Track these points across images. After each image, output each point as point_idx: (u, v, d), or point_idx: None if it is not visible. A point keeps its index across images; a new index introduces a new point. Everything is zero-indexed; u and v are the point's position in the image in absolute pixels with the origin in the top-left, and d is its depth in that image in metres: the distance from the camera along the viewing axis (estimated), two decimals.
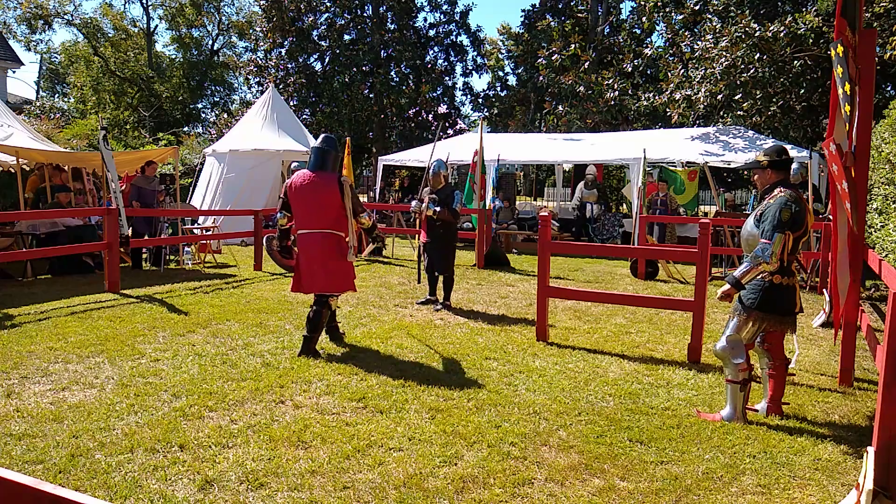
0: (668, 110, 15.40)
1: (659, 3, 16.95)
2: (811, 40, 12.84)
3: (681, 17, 16.05)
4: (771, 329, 4.06)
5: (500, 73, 35.56)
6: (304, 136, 15.23)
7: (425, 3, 25.67)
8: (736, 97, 14.54)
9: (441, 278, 7.41)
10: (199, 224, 12.70)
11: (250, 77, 26.25)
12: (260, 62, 25.48)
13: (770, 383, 4.17)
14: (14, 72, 24.03)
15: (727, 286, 3.98)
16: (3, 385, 4.37)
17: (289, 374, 4.76)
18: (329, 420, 3.91)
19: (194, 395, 4.24)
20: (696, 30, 16.09)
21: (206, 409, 4.02)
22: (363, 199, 18.49)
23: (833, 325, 5.73)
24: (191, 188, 15.01)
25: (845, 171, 4.17)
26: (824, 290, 7.29)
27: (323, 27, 24.84)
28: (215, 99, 39.65)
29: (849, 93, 3.97)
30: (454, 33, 26.39)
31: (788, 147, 10.97)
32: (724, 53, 13.59)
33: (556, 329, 6.31)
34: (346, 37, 24.89)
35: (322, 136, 5.54)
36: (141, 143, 23.90)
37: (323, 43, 24.84)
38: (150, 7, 37.79)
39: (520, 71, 28.73)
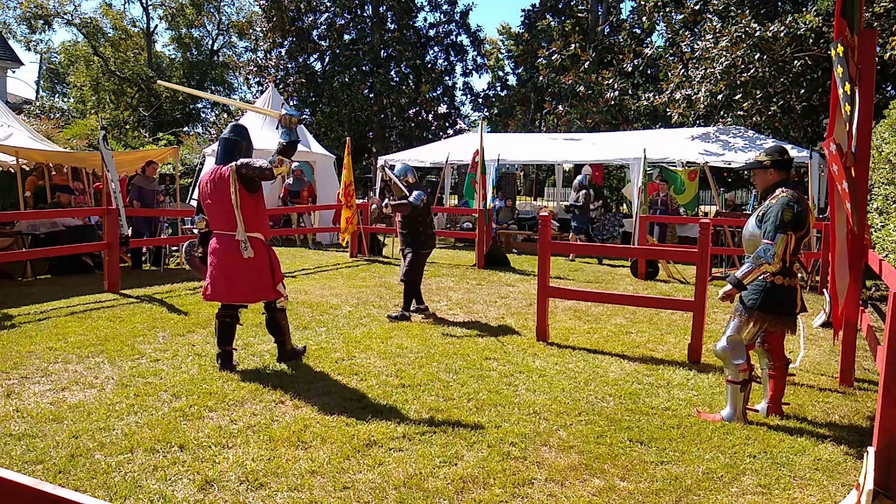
0: (668, 110, 15.39)
1: (659, 3, 16.95)
2: (811, 40, 12.84)
3: (681, 16, 16.04)
4: (771, 329, 4.06)
5: (500, 73, 35.58)
6: (305, 136, 15.21)
7: (425, 3, 25.67)
8: (736, 97, 14.53)
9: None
10: None
11: (250, 77, 26.24)
12: (260, 62, 25.47)
13: (770, 383, 4.17)
14: (14, 72, 24.01)
15: (729, 287, 3.98)
16: (3, 385, 4.37)
17: (289, 374, 4.76)
18: (329, 420, 3.90)
19: (194, 395, 4.24)
20: (696, 30, 16.08)
21: (206, 409, 4.01)
22: (361, 200, 18.45)
23: (833, 325, 5.73)
24: (191, 188, 15.01)
25: (846, 171, 4.17)
26: (824, 290, 7.28)
27: (323, 27, 24.85)
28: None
29: (849, 93, 3.97)
30: (454, 33, 26.38)
31: (788, 147, 10.97)
32: (724, 53, 13.58)
33: (556, 329, 6.31)
34: (346, 37, 24.89)
35: (231, 124, 4.95)
36: (141, 143, 23.90)
37: (323, 43, 24.84)
38: (150, 7, 37.81)
39: (520, 71, 28.75)
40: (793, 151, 11.40)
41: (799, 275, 4.10)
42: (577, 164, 15.42)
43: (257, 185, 4.69)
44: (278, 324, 4.96)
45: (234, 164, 4.58)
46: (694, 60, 14.97)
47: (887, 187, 6.90)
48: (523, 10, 29.16)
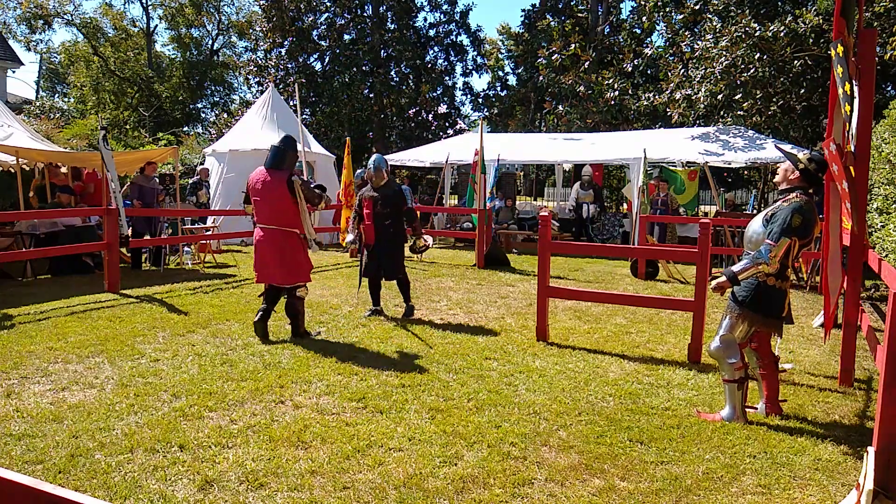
0: (668, 110, 15.39)
1: (659, 3, 16.94)
2: (811, 40, 12.83)
3: (681, 16, 16.03)
4: (759, 330, 4.08)
5: (500, 73, 35.56)
6: (305, 136, 15.20)
7: (425, 3, 25.68)
8: (736, 97, 14.53)
9: (395, 282, 6.88)
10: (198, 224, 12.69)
11: (250, 77, 26.25)
12: (260, 62, 25.48)
13: (763, 383, 4.20)
14: (14, 72, 24.02)
15: (723, 278, 3.99)
16: (3, 385, 4.37)
17: (289, 374, 4.76)
18: (329, 420, 3.90)
19: (194, 395, 4.24)
20: (696, 29, 16.08)
21: (206, 409, 4.01)
22: None
23: (825, 324, 5.73)
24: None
25: (846, 171, 4.17)
26: None
27: (323, 27, 24.85)
28: (215, 99, 39.65)
29: (849, 92, 3.97)
30: (454, 33, 26.39)
31: (787, 147, 10.96)
32: (724, 53, 13.58)
33: (556, 329, 6.31)
34: (346, 37, 24.90)
35: (285, 135, 5.84)
36: (141, 143, 23.89)
37: (323, 43, 24.85)
38: (150, 7, 37.80)
39: (520, 71, 28.74)
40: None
41: (791, 278, 4.10)
42: (577, 163, 15.39)
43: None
44: (296, 307, 5.81)
45: (294, 179, 5.52)
46: (694, 60, 14.96)
47: (887, 187, 6.90)
48: (523, 10, 29.22)
